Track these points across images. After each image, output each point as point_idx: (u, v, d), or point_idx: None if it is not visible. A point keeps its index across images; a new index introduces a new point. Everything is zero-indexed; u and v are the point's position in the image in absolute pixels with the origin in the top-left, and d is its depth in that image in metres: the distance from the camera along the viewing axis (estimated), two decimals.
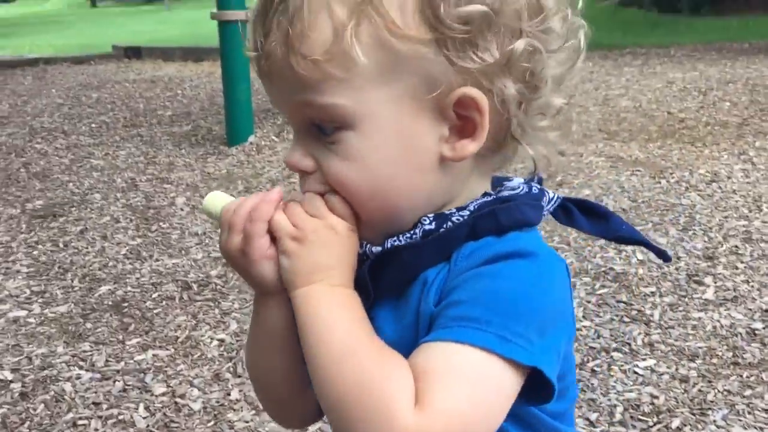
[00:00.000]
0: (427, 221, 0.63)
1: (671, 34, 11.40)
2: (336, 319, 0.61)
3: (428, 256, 0.63)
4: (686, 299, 2.49)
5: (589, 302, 2.50)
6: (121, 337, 2.45)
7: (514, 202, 0.64)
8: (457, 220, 0.63)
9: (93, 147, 4.90)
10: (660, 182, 3.64)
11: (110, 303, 2.70)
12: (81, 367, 2.27)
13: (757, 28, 10.74)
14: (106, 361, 2.31)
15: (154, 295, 2.75)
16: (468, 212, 0.64)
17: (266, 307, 0.70)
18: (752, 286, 2.53)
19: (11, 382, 2.19)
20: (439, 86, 0.57)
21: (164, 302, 2.70)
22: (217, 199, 0.71)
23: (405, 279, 0.65)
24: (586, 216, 0.71)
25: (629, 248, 2.89)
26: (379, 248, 0.65)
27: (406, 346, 0.62)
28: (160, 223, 3.47)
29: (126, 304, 2.69)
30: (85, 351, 2.36)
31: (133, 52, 10.05)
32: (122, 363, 2.30)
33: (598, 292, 2.57)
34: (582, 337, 2.30)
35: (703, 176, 3.72)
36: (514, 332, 0.57)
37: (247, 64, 4.69)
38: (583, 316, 2.41)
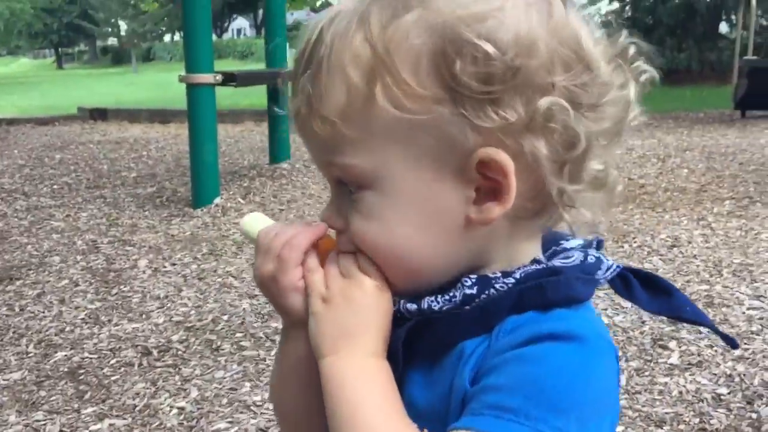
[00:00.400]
0: (469, 283, 0.59)
1: None
2: (362, 397, 0.58)
3: (467, 326, 0.59)
4: (652, 363, 2.49)
5: None
6: (76, 406, 2.36)
7: (565, 275, 0.59)
8: (501, 287, 0.59)
9: (54, 209, 4.82)
10: (623, 246, 3.70)
11: (66, 369, 2.61)
12: None
13: (710, 97, 11.18)
14: (60, 430, 2.22)
15: (112, 361, 2.67)
16: (513, 280, 0.59)
17: (293, 339, 0.67)
18: (716, 351, 2.55)
19: None
20: (459, 147, 0.55)
21: (122, 369, 2.61)
22: (257, 221, 0.69)
23: (441, 347, 0.61)
24: (647, 290, 0.65)
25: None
26: (415, 306, 0.61)
27: (436, 418, 0.58)
28: (121, 287, 3.40)
29: (82, 371, 2.60)
30: (38, 420, 2.26)
31: (99, 114, 10.05)
32: None
33: None
34: None
35: (664, 241, 3.79)
36: (553, 427, 0.52)
37: (214, 126, 4.71)
38: None
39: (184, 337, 2.85)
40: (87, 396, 2.42)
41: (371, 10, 0.55)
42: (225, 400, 2.38)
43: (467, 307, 0.59)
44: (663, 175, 5.51)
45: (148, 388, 2.46)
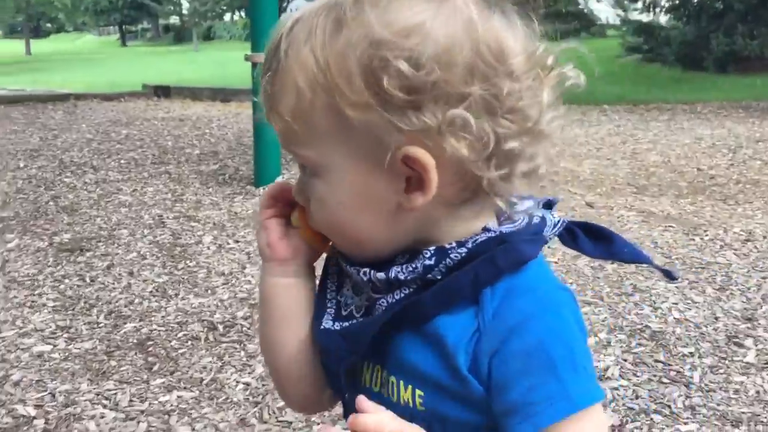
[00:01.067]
0: (428, 255, 0.67)
1: (696, 90, 11.42)
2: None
3: (434, 306, 0.67)
4: (727, 361, 2.41)
5: (625, 360, 2.43)
6: (145, 377, 2.41)
7: (511, 243, 0.66)
8: (456, 256, 0.66)
9: (121, 183, 4.93)
10: (694, 239, 3.58)
11: (135, 341, 2.67)
12: (105, 406, 2.22)
13: None
14: (130, 400, 2.27)
15: (179, 335, 2.71)
16: (465, 249, 0.66)
17: (264, 271, 0.80)
18: None
19: (34, 418, 2.15)
20: (387, 145, 0.62)
21: (189, 342, 2.66)
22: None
23: (417, 321, 0.68)
24: (591, 239, 0.72)
25: (665, 306, 2.83)
26: (383, 275, 0.69)
27: (433, 383, 0.67)
28: (187, 262, 3.45)
29: (151, 343, 2.65)
30: (109, 389, 2.32)
31: (163, 91, 10.22)
32: (146, 403, 2.25)
33: (634, 351, 2.50)
34: (619, 396, 2.22)
35: (737, 235, 3.65)
36: (580, 385, 0.63)
37: None
38: (620, 375, 2.34)
39: (248, 314, 2.88)
40: (155, 367, 2.47)
41: (317, 23, 0.63)
42: None
43: (433, 288, 0.66)
44: (734, 166, 5.32)
45: (214, 363, 2.50)
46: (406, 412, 0.67)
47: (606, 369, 2.37)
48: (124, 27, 64.72)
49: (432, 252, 0.67)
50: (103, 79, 19.46)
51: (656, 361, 2.43)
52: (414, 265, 0.67)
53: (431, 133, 0.61)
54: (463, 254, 0.66)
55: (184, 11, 58.66)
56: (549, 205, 0.73)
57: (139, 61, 33.81)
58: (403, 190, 0.65)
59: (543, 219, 0.70)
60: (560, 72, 0.66)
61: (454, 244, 0.67)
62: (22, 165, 5.42)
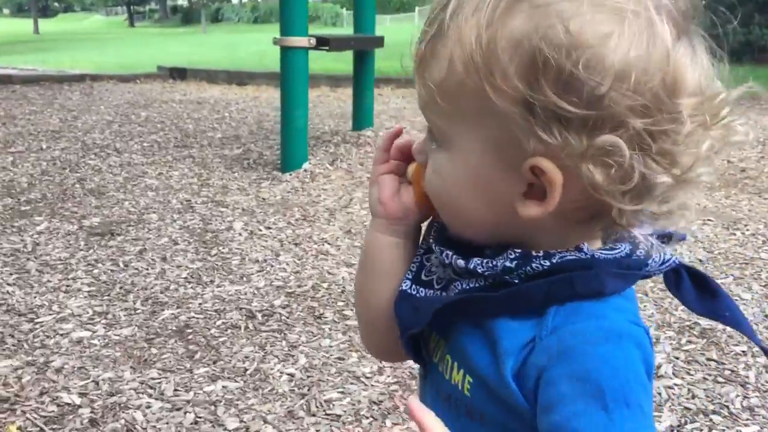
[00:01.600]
0: (512, 256, 0.64)
1: None
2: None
3: (501, 307, 0.65)
4: None
5: (677, 358, 2.38)
6: (188, 365, 2.37)
7: (595, 270, 0.62)
8: (537, 267, 0.63)
9: (146, 166, 4.88)
10: (735, 234, 3.52)
11: (174, 328, 2.63)
12: (150, 395, 2.18)
13: None
14: (175, 390, 2.23)
15: (218, 323, 2.67)
16: (549, 263, 0.63)
17: (372, 227, 0.79)
18: None
19: (79, 407, 2.11)
20: (519, 147, 0.59)
21: (229, 330, 2.62)
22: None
23: (476, 317, 0.67)
24: (696, 288, 0.68)
25: None
26: (463, 263, 0.67)
27: (479, 378, 0.66)
28: (220, 248, 3.41)
29: (190, 330, 2.61)
30: (153, 378, 2.28)
31: (178, 73, 10.15)
32: (192, 393, 2.21)
33: (685, 348, 2.45)
34: (675, 396, 2.18)
35: None
36: (631, 422, 0.57)
37: (306, 90, 4.67)
38: (674, 373, 2.29)
39: (286, 303, 2.84)
40: (197, 356, 2.44)
41: (493, 1, 0.57)
42: (333, 370, 2.36)
43: (505, 290, 0.64)
44: (765, 159, 5.24)
45: (256, 352, 2.46)
46: (454, 392, 0.69)
47: (658, 367, 2.33)
48: (132, 7, 64.51)
49: (516, 255, 0.64)
50: (112, 59, 19.37)
51: (708, 359, 2.38)
52: (495, 263, 0.65)
53: (571, 152, 0.57)
54: (545, 266, 0.63)
55: None
56: (668, 236, 0.66)
57: (147, 42, 33.69)
58: (521, 194, 0.62)
59: (648, 253, 0.64)
60: (730, 125, 0.60)
61: (541, 254, 0.64)
62: (44, 146, 5.37)
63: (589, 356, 0.59)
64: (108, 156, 5.11)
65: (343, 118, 6.98)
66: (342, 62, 10.67)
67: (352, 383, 2.28)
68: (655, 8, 0.56)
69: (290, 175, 4.66)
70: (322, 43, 4.63)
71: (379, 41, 5.70)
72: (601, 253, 0.63)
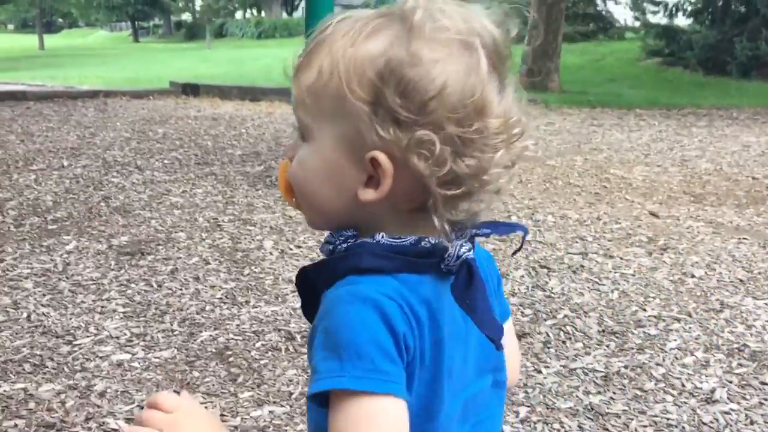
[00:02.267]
0: (342, 239, 0.79)
1: (721, 95, 11.31)
2: None
3: (318, 281, 0.78)
4: None
5: (730, 382, 2.34)
6: (232, 389, 2.33)
7: (361, 251, 0.76)
8: (340, 248, 0.79)
9: (169, 183, 4.86)
10: None
11: (214, 350, 2.59)
12: None
13: None
14: (222, 415, 2.19)
15: (257, 344, 2.64)
16: (345, 245, 0.78)
17: None
18: None
19: None
20: (363, 141, 0.73)
21: (269, 353, 2.58)
22: None
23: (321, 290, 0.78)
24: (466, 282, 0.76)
25: (758, 324, 2.74)
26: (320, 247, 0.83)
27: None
28: (252, 267, 3.38)
29: (230, 353, 2.57)
30: (200, 402, 2.23)
31: (191, 89, 10.15)
32: (239, 418, 2.17)
33: (737, 372, 2.41)
34: (732, 421, 2.13)
35: None
36: (345, 368, 0.70)
37: None
38: (729, 398, 2.25)
39: None
40: (240, 379, 2.39)
41: (359, 26, 0.74)
42: None
43: (317, 268, 0.80)
44: None
45: (299, 375, 2.42)
46: None
47: (712, 391, 2.29)
48: (136, 23, 64.85)
49: (342, 239, 0.79)
50: (118, 74, 19.42)
51: (762, 383, 2.34)
52: (327, 245, 0.81)
53: (401, 146, 0.72)
54: (343, 249, 0.78)
55: (197, 8, 58.74)
56: (470, 237, 0.78)
57: (152, 58, 33.79)
58: (363, 182, 0.75)
59: (434, 246, 0.76)
60: (524, 146, 0.77)
61: (350, 234, 0.79)
62: (65, 164, 5.35)
63: (336, 314, 0.72)
64: (130, 173, 5.09)
65: None
66: None
67: None
68: (480, 46, 0.72)
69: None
70: None
71: None
72: (386, 240, 0.76)
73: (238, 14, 64.18)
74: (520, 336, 2.70)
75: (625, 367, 2.46)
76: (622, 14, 24.20)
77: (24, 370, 2.39)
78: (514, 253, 0.67)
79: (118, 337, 2.66)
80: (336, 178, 0.77)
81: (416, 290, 0.75)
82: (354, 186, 0.75)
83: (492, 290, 0.87)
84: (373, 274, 0.74)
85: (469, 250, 0.76)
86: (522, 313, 2.91)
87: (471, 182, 0.74)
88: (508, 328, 0.90)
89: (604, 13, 23.56)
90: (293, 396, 2.30)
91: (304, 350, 2.59)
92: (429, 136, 0.71)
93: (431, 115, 0.71)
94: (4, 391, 2.26)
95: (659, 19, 18.63)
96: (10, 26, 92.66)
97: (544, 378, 2.39)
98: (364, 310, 0.71)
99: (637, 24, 20.70)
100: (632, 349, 2.60)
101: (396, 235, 0.77)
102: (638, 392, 2.31)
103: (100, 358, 2.51)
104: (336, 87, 0.73)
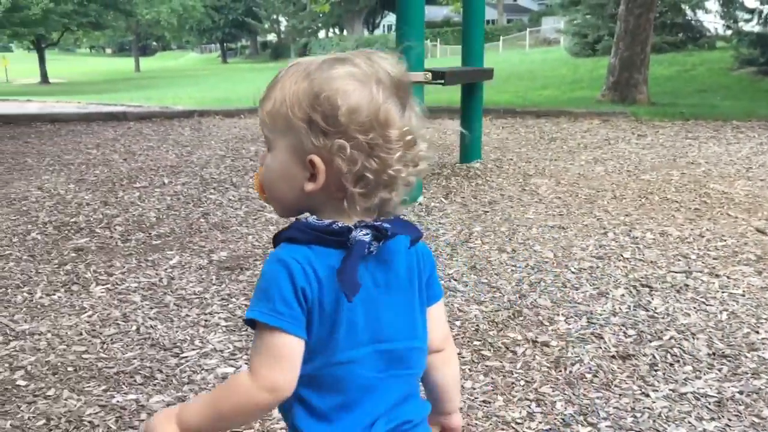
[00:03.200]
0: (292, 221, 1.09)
1: None
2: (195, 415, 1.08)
3: (275, 244, 1.08)
4: None
5: None
6: None
7: (293, 225, 1.05)
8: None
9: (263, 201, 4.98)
10: None
11: None
12: None
13: None
14: None
15: None
16: (290, 224, 1.07)
17: None
18: None
19: None
20: (303, 148, 1.02)
21: None
22: None
23: None
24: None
25: None
26: None
27: None
28: None
29: None
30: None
31: None
32: None
33: None
34: None
35: None
36: (262, 306, 1.01)
37: None
38: None
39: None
40: None
41: (300, 69, 1.05)
42: (480, 414, 2.29)
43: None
44: None
45: None
46: None
47: None
48: (224, 44, 67.20)
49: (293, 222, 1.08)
50: (210, 94, 20.13)
51: None
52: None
53: (328, 150, 1.01)
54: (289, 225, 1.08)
55: (282, 29, 60.37)
56: (367, 225, 1.03)
57: (240, 78, 34.85)
58: (307, 178, 1.04)
59: (341, 228, 1.03)
60: (419, 150, 1.05)
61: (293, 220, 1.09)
62: (166, 181, 5.58)
63: (263, 269, 1.04)
64: (227, 190, 5.25)
65: (447, 150, 6.96)
66: (437, 93, 10.71)
67: (502, 429, 2.20)
68: (375, 82, 1.01)
69: (406, 209, 4.65)
70: (438, 77, 4.63)
71: (489, 73, 5.68)
72: (309, 220, 1.05)
73: (321, 33, 65.53)
74: (624, 357, 2.62)
75: (740, 392, 2.35)
76: (712, 23, 23.36)
77: (135, 381, 2.49)
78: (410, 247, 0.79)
79: (222, 351, 2.73)
80: (289, 177, 1.05)
81: (323, 258, 1.02)
82: (301, 182, 1.04)
83: (418, 276, 1.13)
84: (294, 243, 1.04)
85: (366, 235, 1.02)
86: (625, 333, 2.82)
87: (380, 176, 1.02)
88: (438, 307, 1.19)
89: (693, 22, 22.80)
90: None
91: None
92: (344, 143, 1.00)
93: (345, 128, 1.00)
94: (117, 401, 2.36)
95: (752, 26, 17.87)
96: (108, 50, 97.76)
97: (653, 402, 2.30)
98: (276, 268, 1.01)
99: (729, 32, 19.92)
100: (746, 373, 2.47)
101: (319, 218, 1.05)
102: (756, 419, 2.19)
103: (206, 370, 2.58)
104: (285, 112, 1.04)
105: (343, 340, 1.03)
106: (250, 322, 1.02)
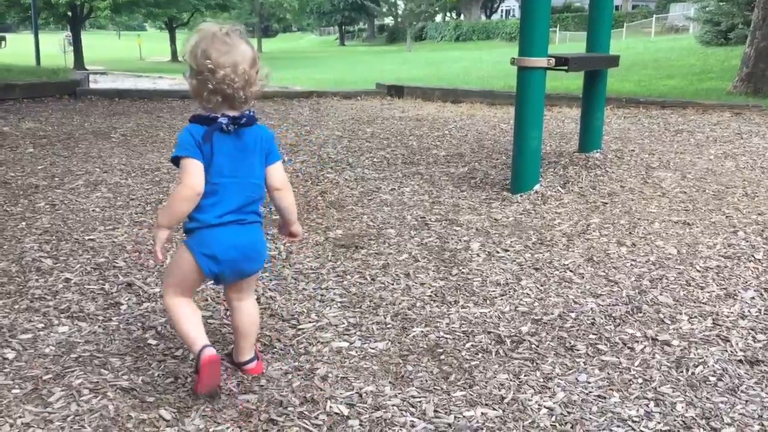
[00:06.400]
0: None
1: None
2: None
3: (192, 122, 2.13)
4: None
5: None
6: (444, 387, 2.36)
7: (193, 116, 2.09)
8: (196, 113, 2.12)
9: (378, 181, 5.04)
10: None
11: (425, 346, 2.65)
12: (413, 414, 2.20)
13: None
14: (435, 411, 2.23)
15: (467, 345, 2.65)
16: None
17: None
18: None
19: (348, 418, 2.17)
20: (194, 74, 2.08)
21: (480, 354, 2.58)
22: None
23: None
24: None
25: None
26: None
27: None
28: (459, 268, 3.41)
29: (441, 350, 2.61)
30: (413, 396, 2.29)
31: (396, 91, 10.46)
32: (452, 416, 2.20)
33: None
34: None
35: None
36: (177, 150, 2.07)
37: (541, 112, 4.57)
38: None
39: (533, 330, 2.76)
40: (452, 378, 2.42)
41: (198, 32, 2.13)
42: (594, 408, 2.24)
43: None
44: None
45: (511, 380, 2.40)
46: None
47: None
48: (343, 27, 68.22)
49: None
50: (328, 76, 20.49)
51: None
52: None
53: (195, 77, 2.07)
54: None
55: (400, 12, 60.55)
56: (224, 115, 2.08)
57: (358, 60, 35.25)
58: (197, 91, 2.09)
59: (216, 117, 2.06)
60: (264, 77, 2.14)
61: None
62: (286, 159, 5.76)
63: (177, 136, 2.06)
64: (343, 170, 5.36)
65: (564, 139, 6.79)
66: (555, 80, 10.43)
67: (618, 426, 2.14)
68: (247, 39, 2.10)
69: (521, 196, 4.59)
70: (561, 63, 4.51)
71: (615, 60, 5.48)
72: (200, 111, 2.09)
73: (438, 17, 65.16)
74: (753, 362, 2.48)
75: None
76: None
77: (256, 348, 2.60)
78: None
79: (336, 325, 2.80)
80: (197, 87, 2.06)
81: (205, 129, 2.05)
82: (203, 90, 2.06)
83: (261, 146, 2.15)
84: (192, 123, 2.07)
85: (224, 121, 2.05)
86: (754, 338, 2.67)
87: (222, 89, 2.03)
88: (276, 165, 2.23)
89: None
90: (505, 400, 2.28)
91: (515, 354, 2.57)
92: (202, 76, 2.02)
93: (201, 69, 2.02)
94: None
95: None
96: None
97: None
98: (184, 132, 2.05)
99: None
100: None
101: (206, 110, 2.08)
102: None
103: (321, 343, 2.65)
104: (190, 61, 2.05)
105: (215, 173, 2.07)
106: (175, 161, 2.07)
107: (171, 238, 2.18)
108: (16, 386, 2.30)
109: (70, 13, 36.13)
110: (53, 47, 29.61)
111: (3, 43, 18.37)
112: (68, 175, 5.20)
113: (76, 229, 3.97)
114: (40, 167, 5.43)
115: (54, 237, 3.81)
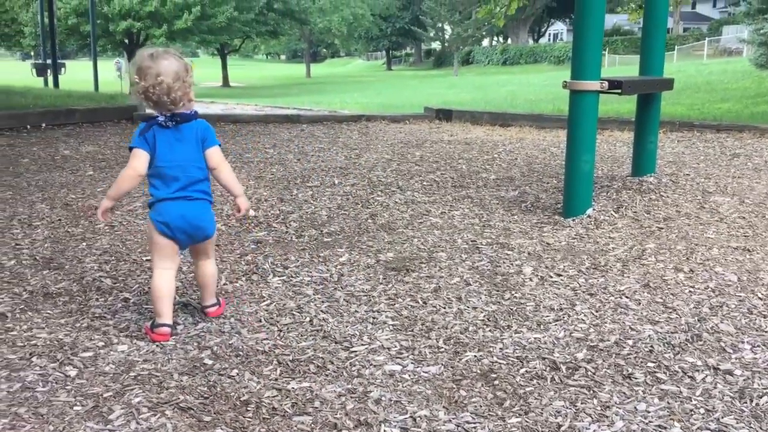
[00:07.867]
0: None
1: None
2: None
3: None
4: None
5: None
6: (499, 413, 2.33)
7: (151, 117, 2.76)
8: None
9: (429, 204, 5.05)
10: None
11: (478, 371, 2.62)
12: None
13: None
14: None
15: (521, 371, 2.62)
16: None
17: None
18: None
19: None
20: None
21: (534, 381, 2.55)
22: None
23: None
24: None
25: None
26: None
27: None
28: (512, 292, 3.38)
29: (495, 376, 2.58)
30: (468, 422, 2.27)
31: (444, 114, 10.48)
32: None
33: None
34: None
35: None
36: (132, 141, 2.79)
37: (594, 135, 4.53)
38: None
39: (589, 357, 2.71)
40: (506, 404, 2.39)
41: (146, 54, 2.80)
42: None
43: None
44: None
45: (568, 408, 2.36)
46: None
47: None
48: (390, 52, 68.87)
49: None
50: (375, 100, 20.67)
51: None
52: None
53: (143, 87, 2.71)
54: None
55: (446, 37, 60.86)
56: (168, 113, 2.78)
57: (404, 84, 35.51)
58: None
59: (157, 118, 2.75)
60: (175, 86, 2.75)
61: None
62: (336, 182, 5.81)
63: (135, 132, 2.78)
64: (393, 193, 5.38)
65: (616, 163, 6.70)
66: (605, 104, 10.32)
67: None
68: (175, 57, 2.75)
69: (573, 220, 4.53)
70: (614, 86, 4.47)
71: (669, 83, 5.40)
72: (149, 113, 2.83)
73: (485, 42, 65.29)
74: None
75: None
76: None
77: (309, 370, 2.61)
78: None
79: (389, 348, 2.79)
80: (135, 97, 2.74)
81: (149, 126, 2.75)
82: (138, 98, 2.74)
83: (197, 136, 2.79)
84: (142, 121, 2.77)
85: (163, 118, 2.74)
86: None
87: (149, 97, 2.71)
88: (212, 149, 2.83)
89: None
90: (562, 428, 2.24)
91: (570, 382, 2.53)
92: (147, 87, 2.68)
93: (132, 82, 2.71)
94: (292, 388, 2.48)
95: None
96: (282, 57, 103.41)
97: None
98: (138, 130, 2.75)
99: None
100: None
101: (156, 112, 2.74)
102: None
103: (374, 366, 2.65)
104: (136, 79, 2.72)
105: (159, 159, 2.72)
106: (130, 149, 2.73)
107: (115, 208, 3.22)
108: (78, 403, 2.35)
109: (126, 41, 37.38)
110: (110, 73, 30.69)
111: (63, 69, 19.07)
112: (126, 196, 5.35)
113: (134, 249, 4.07)
114: (99, 189, 5.59)
115: (113, 257, 3.91)
